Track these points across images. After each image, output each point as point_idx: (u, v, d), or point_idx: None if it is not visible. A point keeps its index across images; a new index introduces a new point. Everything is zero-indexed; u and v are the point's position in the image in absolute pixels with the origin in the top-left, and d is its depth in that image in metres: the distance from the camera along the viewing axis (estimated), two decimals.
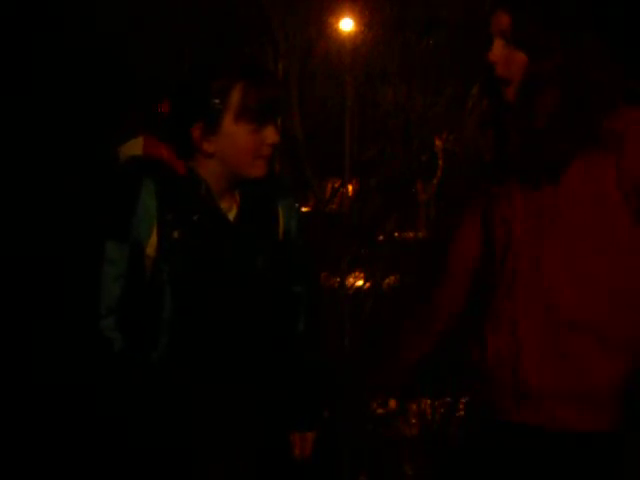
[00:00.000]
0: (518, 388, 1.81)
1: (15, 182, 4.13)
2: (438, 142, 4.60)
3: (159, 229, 1.75)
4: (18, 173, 4.17)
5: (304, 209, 4.28)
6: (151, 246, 1.75)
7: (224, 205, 1.83)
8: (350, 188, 4.48)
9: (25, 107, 4.27)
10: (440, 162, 4.73)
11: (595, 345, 1.77)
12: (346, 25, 4.46)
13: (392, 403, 4.27)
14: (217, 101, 1.75)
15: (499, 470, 1.88)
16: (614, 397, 1.77)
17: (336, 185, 4.53)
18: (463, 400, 3.98)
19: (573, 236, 1.77)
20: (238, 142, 1.77)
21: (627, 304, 1.78)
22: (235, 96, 1.76)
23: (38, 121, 4.28)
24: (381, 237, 4.52)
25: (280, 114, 1.85)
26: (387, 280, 4.44)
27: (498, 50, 1.78)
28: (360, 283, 4.42)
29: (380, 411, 4.27)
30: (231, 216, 1.84)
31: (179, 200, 1.77)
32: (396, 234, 4.64)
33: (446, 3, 4.11)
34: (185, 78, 1.88)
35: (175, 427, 1.80)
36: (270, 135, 1.78)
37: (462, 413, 3.98)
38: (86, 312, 1.77)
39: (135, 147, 1.81)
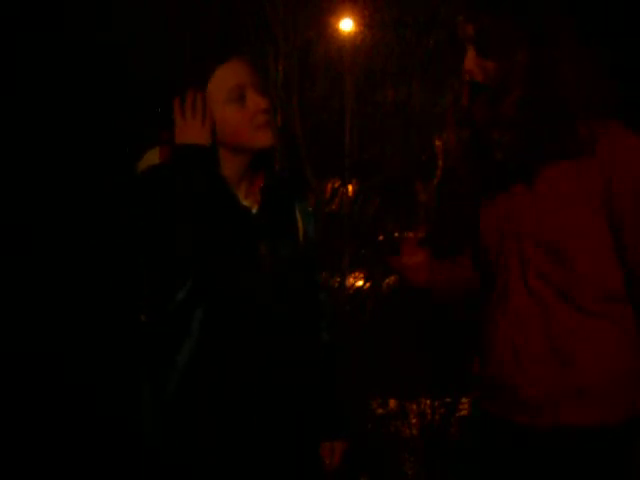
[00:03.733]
0: (520, 395, 1.81)
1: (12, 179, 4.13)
2: (438, 142, 4.59)
3: (187, 225, 1.79)
4: (19, 172, 4.17)
5: None
6: (180, 240, 1.79)
7: (245, 201, 1.88)
8: (350, 188, 4.48)
9: (24, 107, 4.27)
10: (440, 162, 4.73)
11: (591, 348, 1.77)
12: (346, 25, 4.46)
13: (392, 403, 4.27)
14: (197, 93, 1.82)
15: (503, 470, 1.88)
16: (615, 392, 1.78)
17: (336, 185, 4.52)
18: (463, 400, 3.98)
19: (551, 241, 1.77)
20: (229, 121, 1.84)
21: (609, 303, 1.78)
22: (205, 83, 1.85)
23: (37, 121, 4.28)
24: (381, 237, 4.52)
25: (263, 83, 1.90)
26: (387, 280, 4.44)
27: (471, 58, 1.78)
28: (360, 283, 4.42)
29: (380, 411, 4.26)
30: (253, 211, 1.92)
31: (202, 198, 1.81)
32: (396, 234, 4.63)
33: (446, 3, 4.10)
34: (166, 83, 1.95)
35: (201, 435, 1.80)
36: (256, 103, 1.84)
37: (462, 413, 3.98)
38: (119, 306, 1.80)
39: (152, 158, 1.88)
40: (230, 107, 1.85)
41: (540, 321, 1.79)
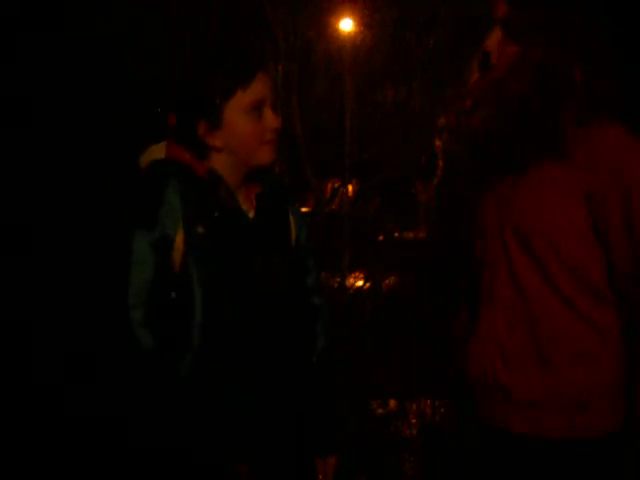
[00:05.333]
0: (502, 396, 1.80)
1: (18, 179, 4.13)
2: (438, 142, 4.59)
3: (184, 224, 1.79)
4: (19, 172, 4.17)
5: (304, 209, 4.28)
6: (179, 241, 1.79)
7: (243, 207, 1.89)
8: (350, 188, 4.48)
9: (23, 107, 4.27)
10: (440, 162, 4.73)
11: (575, 355, 1.76)
12: (346, 25, 4.46)
13: (392, 403, 4.27)
14: (217, 100, 1.81)
15: (486, 474, 1.88)
16: (599, 403, 1.76)
17: (336, 185, 4.52)
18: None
19: (538, 245, 1.76)
20: (241, 132, 1.84)
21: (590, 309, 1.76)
22: (234, 94, 1.84)
23: (37, 121, 4.28)
24: (381, 237, 4.51)
25: (277, 100, 1.90)
26: (387, 280, 4.44)
27: (494, 40, 1.79)
28: (360, 283, 4.42)
29: (380, 411, 4.26)
30: (250, 217, 1.89)
31: (201, 198, 1.81)
32: (396, 234, 4.64)
33: (446, 3, 4.10)
34: (185, 81, 1.93)
35: (204, 439, 1.80)
36: (271, 121, 1.84)
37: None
38: (114, 303, 1.79)
39: (157, 152, 1.87)
40: (246, 117, 1.84)
41: (526, 319, 1.78)
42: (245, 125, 1.84)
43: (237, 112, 1.83)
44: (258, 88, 1.84)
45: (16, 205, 4.08)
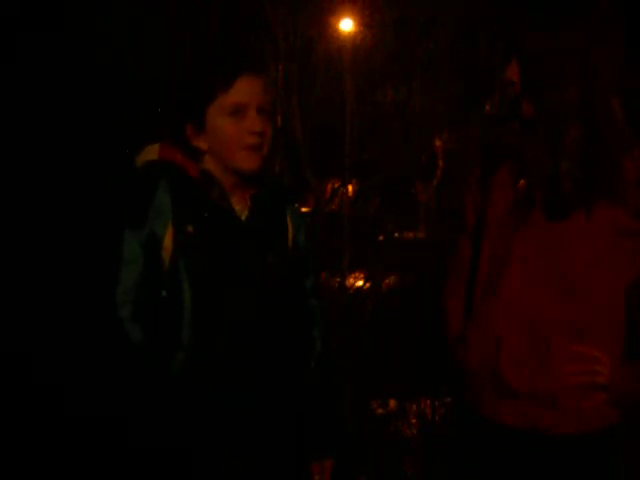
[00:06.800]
0: (498, 389, 1.80)
1: (17, 179, 4.14)
2: (438, 142, 4.59)
3: (174, 224, 1.78)
4: (18, 171, 4.17)
5: (304, 209, 4.28)
6: (168, 241, 1.78)
7: (237, 207, 1.88)
8: (350, 188, 4.48)
9: (24, 107, 4.27)
10: (440, 162, 4.73)
11: (573, 354, 1.76)
12: (346, 25, 4.46)
13: (392, 403, 4.27)
14: (200, 102, 1.82)
15: (481, 467, 1.87)
16: (594, 400, 1.76)
17: (336, 185, 4.52)
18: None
19: (568, 269, 1.75)
20: (222, 135, 1.84)
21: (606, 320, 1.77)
22: (215, 97, 1.84)
23: (37, 121, 4.28)
24: (381, 237, 4.52)
25: (268, 103, 1.89)
26: (387, 280, 4.44)
27: (515, 70, 1.78)
28: (360, 283, 4.42)
29: (380, 411, 4.26)
30: (243, 217, 1.88)
31: (192, 199, 1.81)
32: (396, 234, 4.64)
33: (446, 3, 4.10)
34: (173, 82, 1.95)
35: (194, 440, 1.80)
36: (252, 125, 1.82)
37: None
38: (103, 300, 1.79)
39: (151, 153, 1.88)
40: (226, 119, 1.83)
41: (527, 319, 1.78)
42: (225, 128, 1.82)
43: (218, 114, 1.82)
44: (241, 90, 1.81)
45: (11, 202, 4.08)
